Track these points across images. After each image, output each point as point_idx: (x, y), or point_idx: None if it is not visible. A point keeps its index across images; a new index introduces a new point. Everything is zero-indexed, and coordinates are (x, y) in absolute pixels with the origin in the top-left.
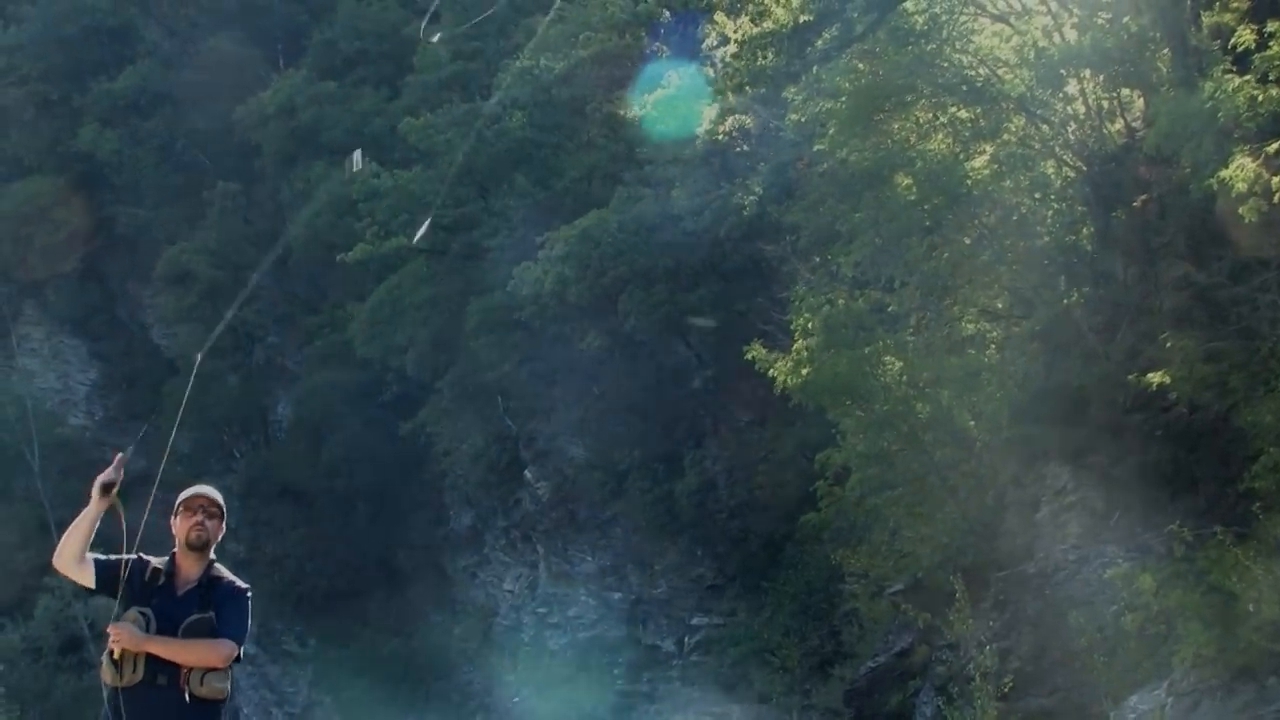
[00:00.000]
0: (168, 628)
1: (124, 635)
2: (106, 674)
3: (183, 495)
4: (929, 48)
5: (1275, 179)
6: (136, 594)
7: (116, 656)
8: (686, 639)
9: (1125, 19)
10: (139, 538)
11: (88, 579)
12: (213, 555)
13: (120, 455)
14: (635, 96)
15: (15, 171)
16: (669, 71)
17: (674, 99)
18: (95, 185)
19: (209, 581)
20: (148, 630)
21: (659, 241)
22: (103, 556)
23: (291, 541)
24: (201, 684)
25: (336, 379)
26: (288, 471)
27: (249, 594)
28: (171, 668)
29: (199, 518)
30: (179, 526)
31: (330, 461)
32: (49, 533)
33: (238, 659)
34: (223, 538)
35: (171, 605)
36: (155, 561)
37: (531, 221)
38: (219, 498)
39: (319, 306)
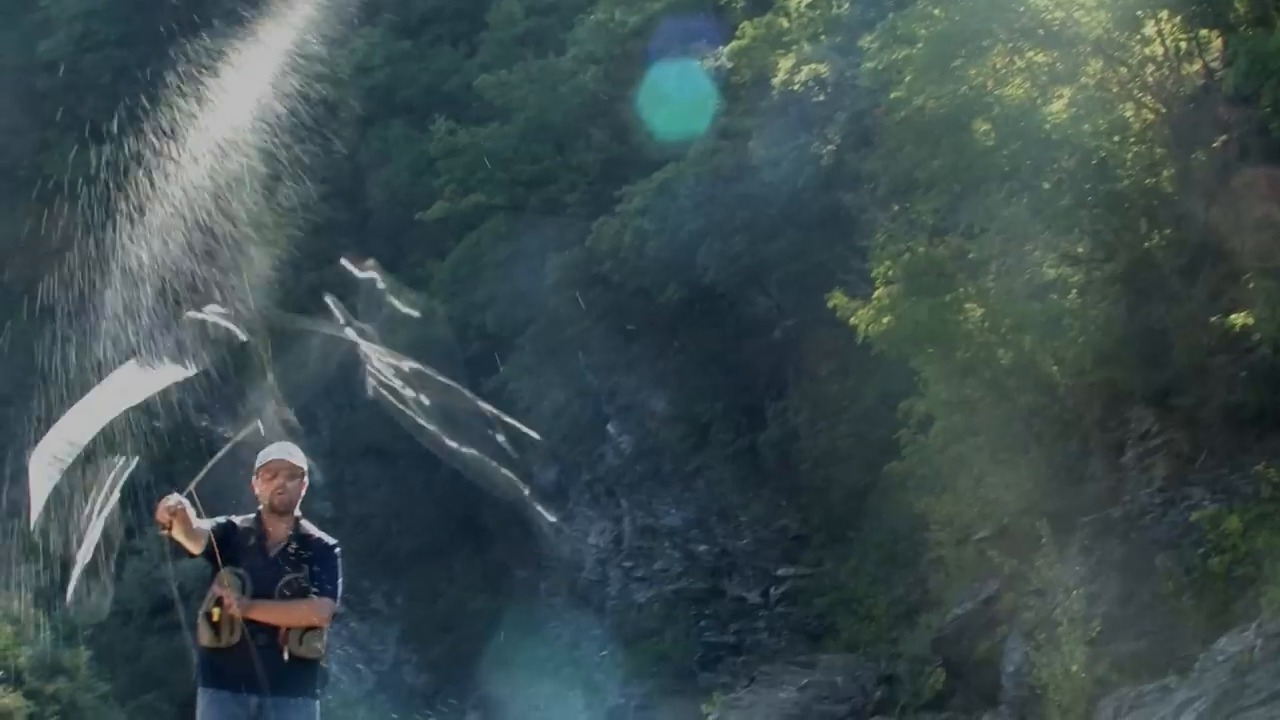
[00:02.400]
0: (262, 588)
1: (234, 604)
2: (204, 635)
3: (261, 458)
4: None
5: None
6: (230, 555)
7: (216, 619)
8: (772, 590)
9: None
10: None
11: (197, 548)
12: (298, 512)
13: (172, 499)
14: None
15: (94, 137)
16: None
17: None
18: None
19: (299, 540)
20: (244, 591)
21: (737, 193)
22: (211, 524)
23: (377, 501)
24: (300, 643)
25: (418, 337)
26: (372, 431)
27: (338, 549)
28: (270, 628)
29: (279, 480)
30: (260, 489)
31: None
32: (135, 495)
33: None
34: (310, 497)
35: (264, 567)
36: (240, 521)
37: (609, 176)
38: (298, 458)
39: (398, 265)
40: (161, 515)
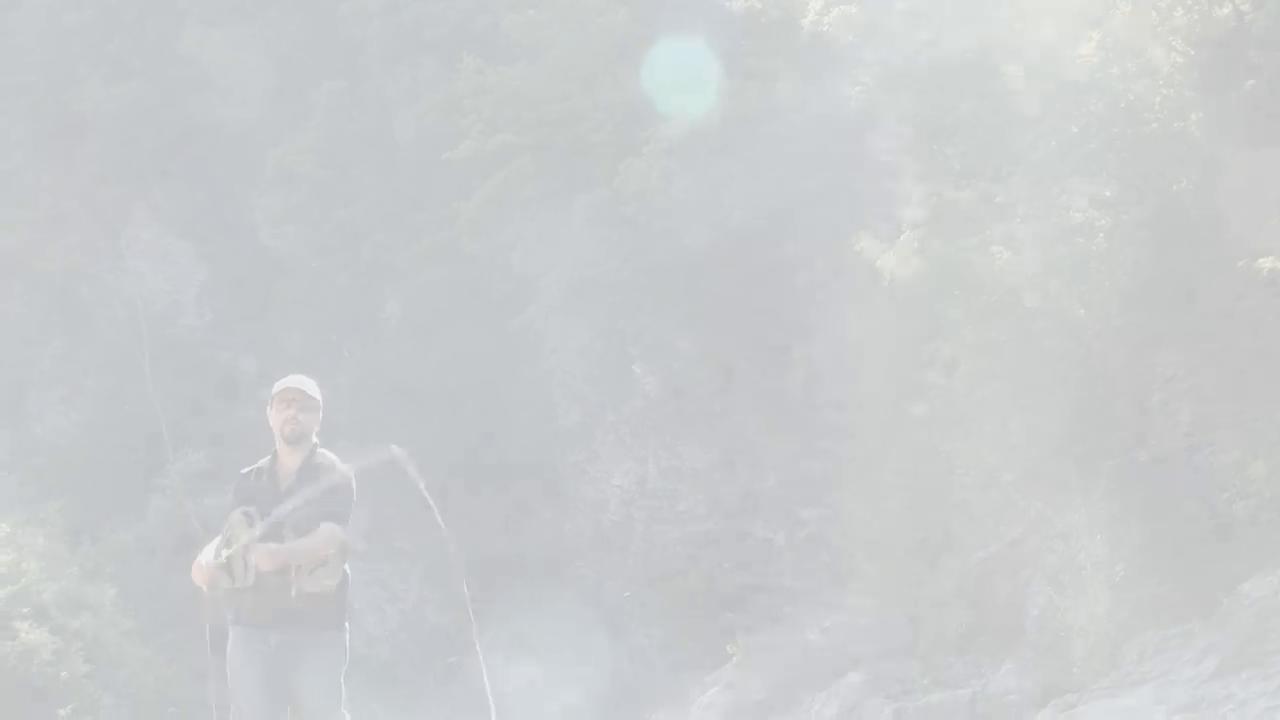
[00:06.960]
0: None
1: (265, 558)
2: (221, 578)
3: (275, 388)
4: None
5: None
6: (243, 496)
7: (223, 560)
8: (796, 531)
9: None
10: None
11: None
12: (316, 440)
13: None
14: None
15: (119, 74)
16: None
17: None
18: (200, 88)
19: (310, 470)
20: (252, 525)
21: (764, 134)
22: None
23: (401, 439)
24: (309, 579)
25: (444, 276)
26: (397, 369)
27: (352, 475)
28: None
29: (291, 411)
30: (273, 419)
31: (438, 359)
32: (160, 434)
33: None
34: (335, 435)
35: (274, 499)
36: (254, 466)
37: (636, 115)
38: (311, 390)
39: (426, 204)
40: (199, 578)
